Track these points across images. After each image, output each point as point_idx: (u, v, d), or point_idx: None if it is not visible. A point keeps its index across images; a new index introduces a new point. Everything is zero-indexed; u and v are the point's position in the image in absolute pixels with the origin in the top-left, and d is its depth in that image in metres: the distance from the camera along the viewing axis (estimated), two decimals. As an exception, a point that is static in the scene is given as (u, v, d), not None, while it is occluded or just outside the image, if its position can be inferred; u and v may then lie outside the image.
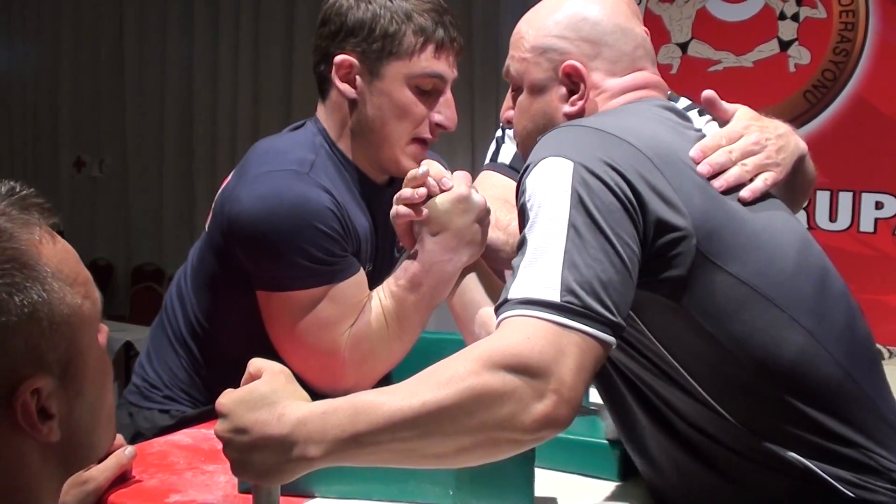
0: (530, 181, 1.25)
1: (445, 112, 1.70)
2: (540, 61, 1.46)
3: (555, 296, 1.14)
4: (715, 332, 1.25)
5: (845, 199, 3.94)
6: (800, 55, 4.02)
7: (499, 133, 2.19)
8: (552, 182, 1.22)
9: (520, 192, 1.28)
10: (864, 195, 3.92)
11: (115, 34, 7.12)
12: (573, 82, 1.44)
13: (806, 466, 1.26)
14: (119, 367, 6.20)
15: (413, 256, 1.62)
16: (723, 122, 1.44)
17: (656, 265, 1.23)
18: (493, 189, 1.92)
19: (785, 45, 4.04)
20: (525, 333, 1.13)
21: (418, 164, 1.66)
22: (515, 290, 1.18)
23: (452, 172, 1.63)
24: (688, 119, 1.46)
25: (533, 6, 1.52)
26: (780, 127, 1.44)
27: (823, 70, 3.95)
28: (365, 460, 1.19)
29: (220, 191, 1.72)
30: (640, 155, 1.26)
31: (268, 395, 1.20)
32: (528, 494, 1.34)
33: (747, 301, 1.26)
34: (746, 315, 1.26)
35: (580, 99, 1.44)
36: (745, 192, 1.33)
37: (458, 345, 1.80)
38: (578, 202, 1.19)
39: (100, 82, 7.25)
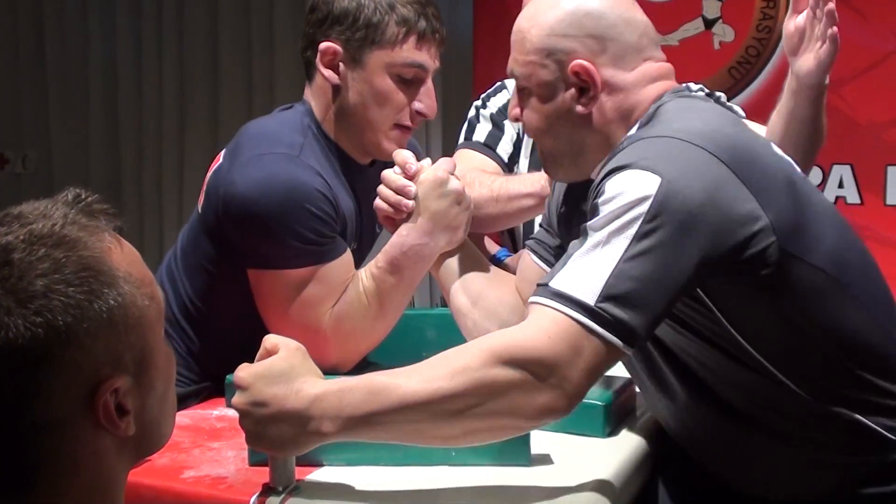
0: (611, 185, 1.27)
1: (426, 101, 1.77)
2: (546, 63, 1.46)
3: (591, 299, 1.20)
4: (796, 317, 1.34)
5: (772, 170, 4.08)
6: (724, 33, 4.14)
7: (472, 113, 2.27)
8: (635, 191, 1.24)
9: (597, 192, 1.30)
10: (789, 166, 4.07)
11: (34, 26, 6.96)
12: (582, 81, 1.44)
13: (856, 419, 1.37)
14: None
15: (393, 239, 1.69)
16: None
17: (742, 268, 1.29)
18: (471, 162, 2.03)
19: (709, 24, 4.15)
20: (548, 332, 1.20)
21: (400, 147, 1.74)
22: (559, 279, 1.24)
23: (432, 158, 1.71)
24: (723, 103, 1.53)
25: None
26: None
27: (747, 47, 4.08)
28: (375, 437, 1.27)
29: (211, 172, 1.78)
30: (722, 168, 1.28)
31: (286, 370, 1.27)
32: (525, 453, 1.41)
33: (823, 285, 1.34)
34: (822, 298, 1.35)
35: (592, 99, 1.44)
36: None
37: (437, 320, 1.89)
38: (653, 217, 1.22)
39: (20, 76, 7.11)
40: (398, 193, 1.65)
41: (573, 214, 1.61)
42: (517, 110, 1.54)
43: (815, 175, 4.05)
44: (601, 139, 1.47)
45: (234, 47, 6.34)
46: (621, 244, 1.22)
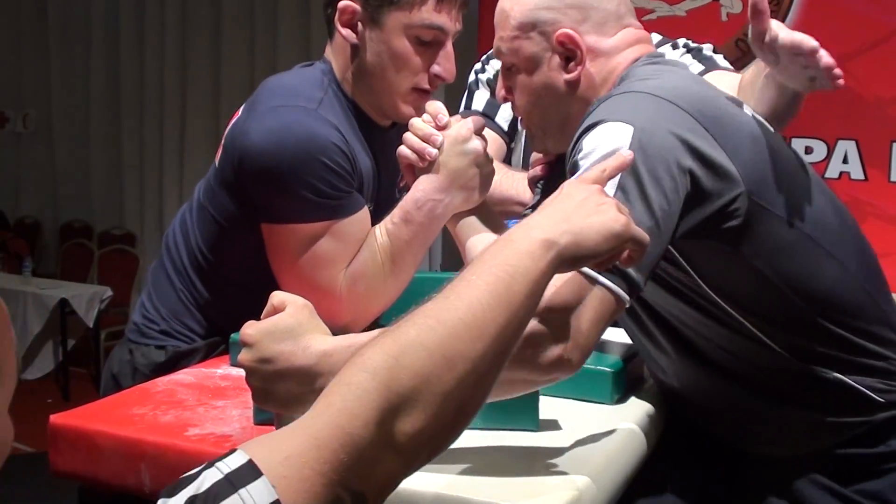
0: (588, 140, 1.30)
1: (444, 64, 1.73)
2: (531, 36, 1.49)
3: None
4: (767, 271, 1.36)
5: (776, 144, 4.06)
6: (731, 4, 4.12)
7: (472, 78, 2.23)
8: (610, 142, 1.27)
9: (574, 150, 1.33)
10: (794, 140, 4.02)
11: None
12: (568, 49, 1.48)
13: (840, 380, 1.39)
14: (55, 324, 6.14)
15: (408, 195, 1.67)
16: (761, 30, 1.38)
17: (716, 220, 1.31)
18: None
19: (717, -5, 4.15)
20: (553, 283, 1.20)
21: (417, 111, 1.71)
22: None
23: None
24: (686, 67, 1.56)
25: None
26: None
27: (755, 19, 4.06)
28: None
29: (230, 125, 1.77)
30: (690, 119, 1.31)
31: (293, 327, 1.24)
32: (534, 417, 1.41)
33: (796, 241, 1.36)
34: (794, 253, 1.37)
35: (578, 65, 1.48)
36: None
37: (443, 283, 1.87)
38: (631, 166, 1.24)
39: (21, 35, 7.08)
40: (424, 141, 1.63)
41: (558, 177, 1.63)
42: (503, 91, 1.57)
43: (820, 150, 4.05)
44: (585, 106, 1.48)
45: (236, 5, 6.31)
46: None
